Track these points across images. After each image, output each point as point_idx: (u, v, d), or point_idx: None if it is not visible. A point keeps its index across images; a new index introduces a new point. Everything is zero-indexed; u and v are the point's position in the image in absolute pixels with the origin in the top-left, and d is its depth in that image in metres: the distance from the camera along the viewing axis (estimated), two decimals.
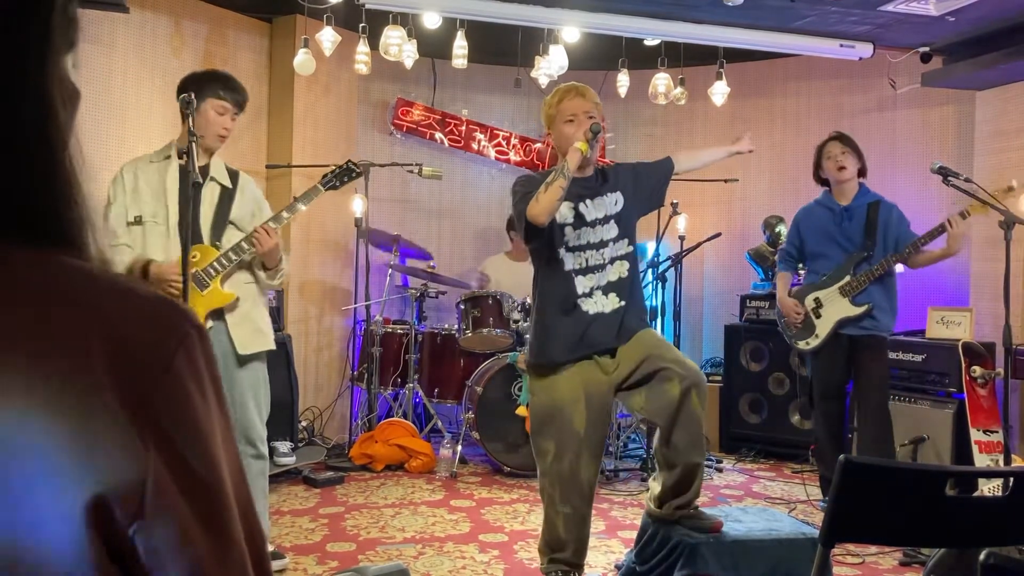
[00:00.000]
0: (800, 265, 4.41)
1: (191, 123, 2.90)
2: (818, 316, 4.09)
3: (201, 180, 2.99)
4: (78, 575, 0.58)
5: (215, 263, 3.05)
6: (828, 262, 4.10)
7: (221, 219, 3.13)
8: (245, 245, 3.08)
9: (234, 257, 3.07)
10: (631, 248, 3.10)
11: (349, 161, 3.42)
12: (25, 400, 0.57)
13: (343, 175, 3.36)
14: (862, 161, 4.11)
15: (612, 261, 3.02)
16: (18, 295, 0.60)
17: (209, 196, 3.13)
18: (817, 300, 4.09)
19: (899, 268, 4.10)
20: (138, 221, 3.05)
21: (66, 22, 0.67)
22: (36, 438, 0.57)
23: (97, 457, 0.58)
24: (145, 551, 0.60)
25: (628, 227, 3.09)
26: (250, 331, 3.13)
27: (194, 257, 3.00)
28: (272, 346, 3.25)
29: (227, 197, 3.16)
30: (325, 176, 3.35)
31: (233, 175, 3.22)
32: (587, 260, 3.00)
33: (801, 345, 4.16)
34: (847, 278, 4.00)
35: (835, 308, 4.02)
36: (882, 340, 4.05)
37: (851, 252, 4.03)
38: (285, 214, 3.18)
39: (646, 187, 3.17)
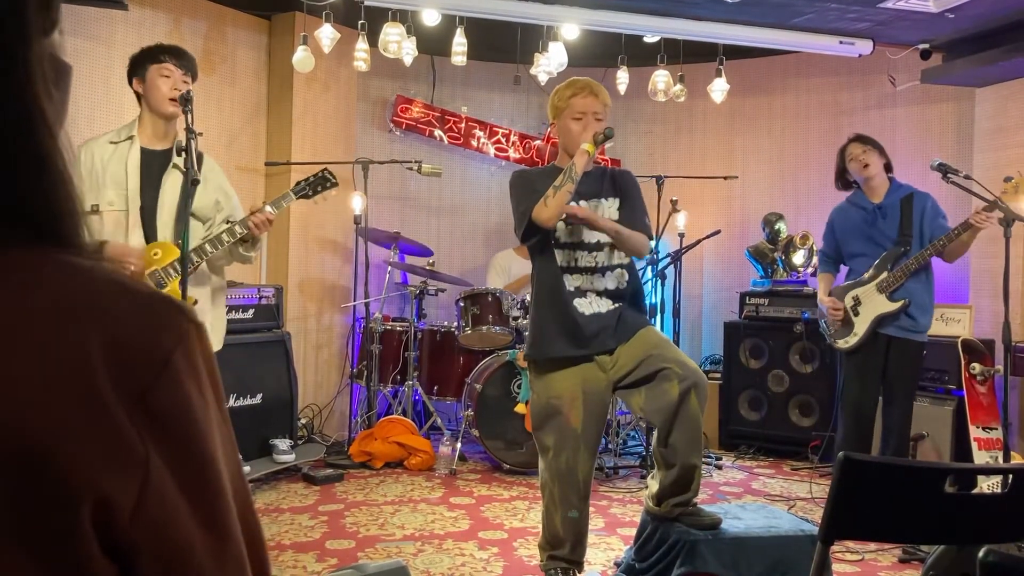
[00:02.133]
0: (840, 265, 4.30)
1: (189, 120, 2.86)
2: (856, 314, 4.00)
3: (199, 178, 2.88)
4: (75, 572, 0.58)
5: (176, 263, 2.90)
6: (867, 260, 4.02)
7: (185, 211, 2.95)
8: (226, 237, 2.98)
9: (195, 259, 2.93)
10: (629, 259, 3.07)
11: (325, 169, 3.26)
12: (21, 398, 0.57)
13: (317, 184, 3.21)
14: (886, 156, 4.04)
15: (611, 268, 3.00)
16: (13, 293, 0.60)
17: (172, 185, 2.99)
18: (856, 298, 4.01)
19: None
20: (95, 210, 2.89)
21: (44, 1, 0.65)
22: (33, 436, 0.57)
23: (94, 455, 0.58)
24: (142, 548, 0.60)
25: None
26: None
27: (155, 254, 2.91)
28: (217, 347, 3.11)
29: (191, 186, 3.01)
30: (298, 184, 3.22)
31: (198, 160, 3.05)
32: (576, 259, 2.99)
33: (840, 344, 4.06)
34: (884, 274, 3.93)
35: (872, 305, 3.96)
36: (919, 346, 3.98)
37: (888, 249, 4.00)
38: (270, 208, 3.07)
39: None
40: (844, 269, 4.25)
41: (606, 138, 2.88)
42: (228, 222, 3.11)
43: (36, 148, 0.63)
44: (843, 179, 4.16)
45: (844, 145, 4.13)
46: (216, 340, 3.19)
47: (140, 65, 3.00)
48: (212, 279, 3.17)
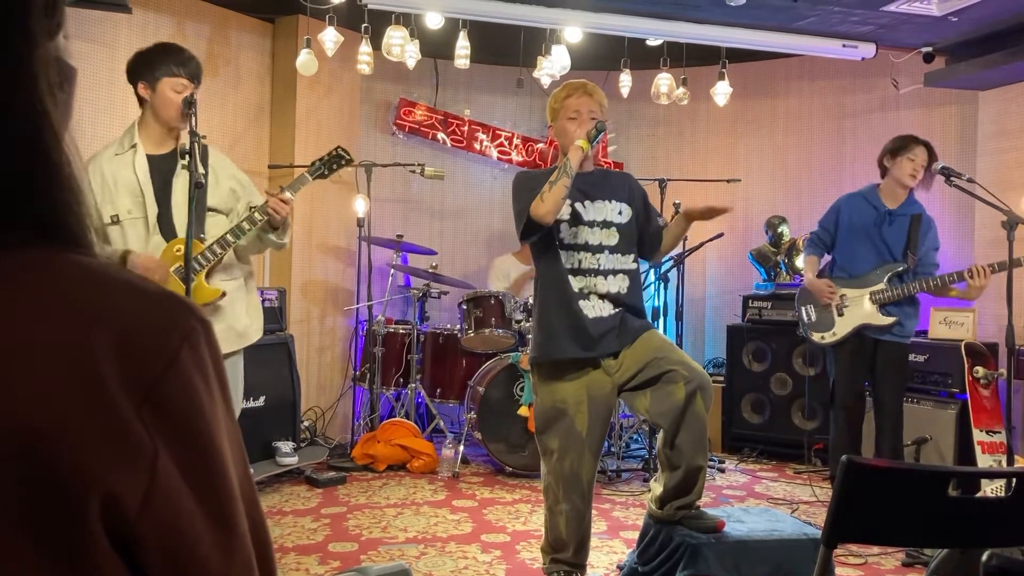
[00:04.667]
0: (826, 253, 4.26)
1: (194, 123, 2.85)
2: (840, 314, 3.99)
3: (204, 181, 2.86)
4: (81, 567, 0.58)
5: (199, 257, 2.91)
6: (859, 261, 4.00)
7: (200, 209, 2.96)
8: (246, 225, 2.97)
9: (219, 251, 2.94)
10: (635, 265, 3.08)
11: (339, 147, 3.26)
12: (30, 395, 0.58)
13: (332, 162, 3.22)
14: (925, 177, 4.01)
15: (613, 273, 3.00)
16: (19, 293, 0.60)
17: (182, 186, 2.96)
18: (843, 297, 3.99)
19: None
20: (115, 220, 2.89)
21: (49, 4, 0.66)
22: (41, 432, 0.57)
23: (102, 450, 0.58)
24: (149, 542, 0.60)
25: (632, 243, 3.07)
26: (223, 329, 2.97)
27: (178, 251, 2.91)
28: (249, 342, 3.11)
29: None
30: (313, 164, 3.23)
31: (203, 155, 3.03)
32: (580, 261, 2.98)
33: (815, 338, 4.05)
34: (880, 285, 3.90)
35: (860, 312, 3.93)
36: (905, 348, 3.99)
37: (887, 260, 3.95)
38: (289, 194, 3.06)
39: (645, 232, 3.15)
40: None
41: (598, 132, 2.89)
42: (251, 208, 3.08)
43: (42, 150, 0.64)
44: (883, 163, 4.05)
45: (912, 140, 3.99)
46: (256, 328, 3.16)
47: (149, 71, 2.93)
48: (243, 268, 3.15)
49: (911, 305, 3.98)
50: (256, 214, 3.00)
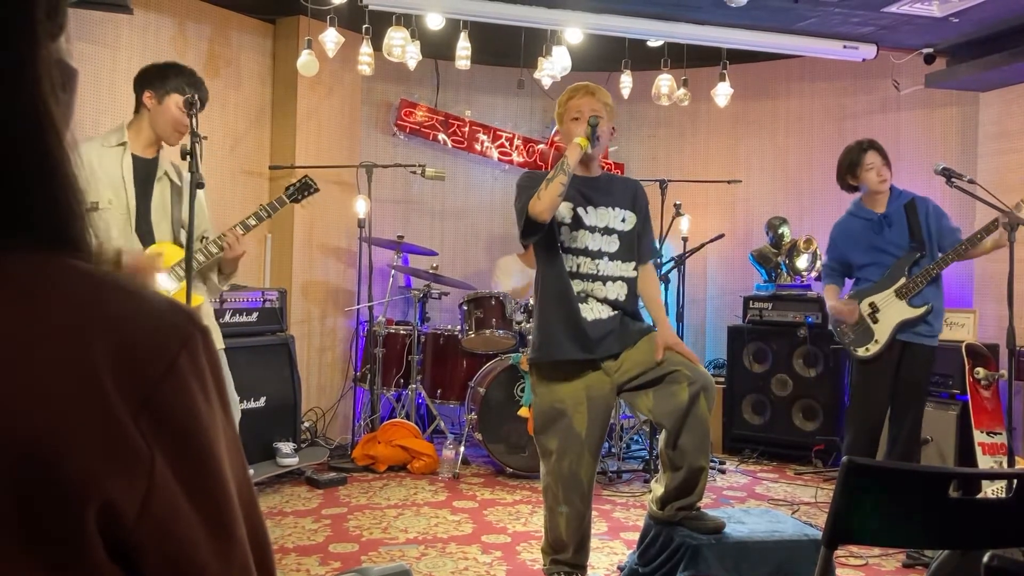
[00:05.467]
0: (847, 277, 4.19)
1: (195, 124, 2.87)
2: (875, 321, 3.91)
3: (203, 182, 2.90)
4: (79, 572, 0.58)
5: (178, 266, 2.94)
6: (878, 269, 3.95)
7: (177, 216, 3.03)
8: (214, 249, 3.03)
9: (202, 259, 2.99)
10: (634, 274, 3.07)
11: (306, 176, 3.55)
12: (27, 403, 0.57)
13: (303, 189, 3.48)
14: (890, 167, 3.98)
15: (612, 279, 3.00)
16: (17, 297, 0.60)
17: (161, 192, 3.02)
18: (873, 305, 3.92)
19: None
20: (94, 207, 2.87)
21: (51, 7, 0.66)
22: (38, 440, 0.57)
23: (99, 457, 0.58)
24: (147, 550, 0.60)
25: (633, 250, 3.07)
26: (212, 329, 2.94)
27: (160, 254, 2.93)
28: (221, 346, 3.15)
29: (177, 195, 3.06)
30: (288, 188, 3.45)
31: (179, 172, 3.11)
32: (579, 265, 2.99)
33: (860, 352, 3.94)
34: (902, 280, 3.86)
35: (894, 311, 3.87)
36: (932, 351, 3.93)
37: (900, 256, 3.91)
38: (252, 221, 3.15)
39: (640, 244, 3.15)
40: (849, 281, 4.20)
41: (592, 126, 2.89)
42: (204, 236, 3.14)
43: (44, 152, 0.64)
44: (847, 182, 4.05)
45: (859, 150, 3.99)
46: (217, 340, 3.20)
47: (161, 82, 2.98)
48: (212, 280, 3.19)
49: (936, 297, 3.90)
50: (214, 244, 3.06)
